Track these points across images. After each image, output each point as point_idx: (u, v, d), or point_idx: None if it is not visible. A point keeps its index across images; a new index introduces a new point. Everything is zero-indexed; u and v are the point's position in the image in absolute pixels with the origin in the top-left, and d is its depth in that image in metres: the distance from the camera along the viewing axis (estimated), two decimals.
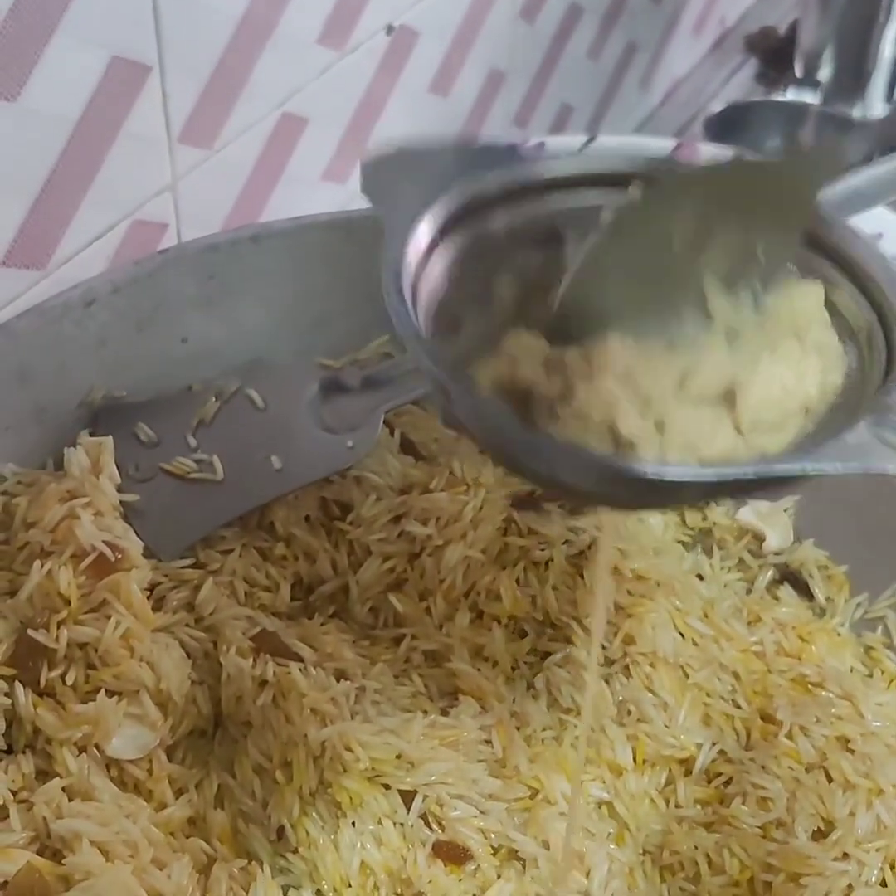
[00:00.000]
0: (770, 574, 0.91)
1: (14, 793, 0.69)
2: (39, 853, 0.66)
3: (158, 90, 0.93)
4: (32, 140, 0.83)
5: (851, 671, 0.86)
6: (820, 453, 0.55)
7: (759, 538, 0.93)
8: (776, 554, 0.92)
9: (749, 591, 0.90)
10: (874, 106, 1.73)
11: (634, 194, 0.60)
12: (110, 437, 0.84)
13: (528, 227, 0.66)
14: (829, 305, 0.63)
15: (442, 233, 0.64)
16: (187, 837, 0.73)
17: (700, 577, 0.90)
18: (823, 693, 0.82)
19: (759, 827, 0.76)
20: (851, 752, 0.78)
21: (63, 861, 0.65)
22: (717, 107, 1.64)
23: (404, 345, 0.59)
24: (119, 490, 0.82)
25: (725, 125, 1.59)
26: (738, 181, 0.60)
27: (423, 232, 0.63)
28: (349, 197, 1.24)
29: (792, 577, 0.91)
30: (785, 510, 0.93)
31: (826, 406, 0.61)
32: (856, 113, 1.72)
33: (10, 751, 0.72)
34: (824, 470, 0.54)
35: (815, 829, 0.75)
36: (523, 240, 0.66)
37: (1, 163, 0.81)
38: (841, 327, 0.63)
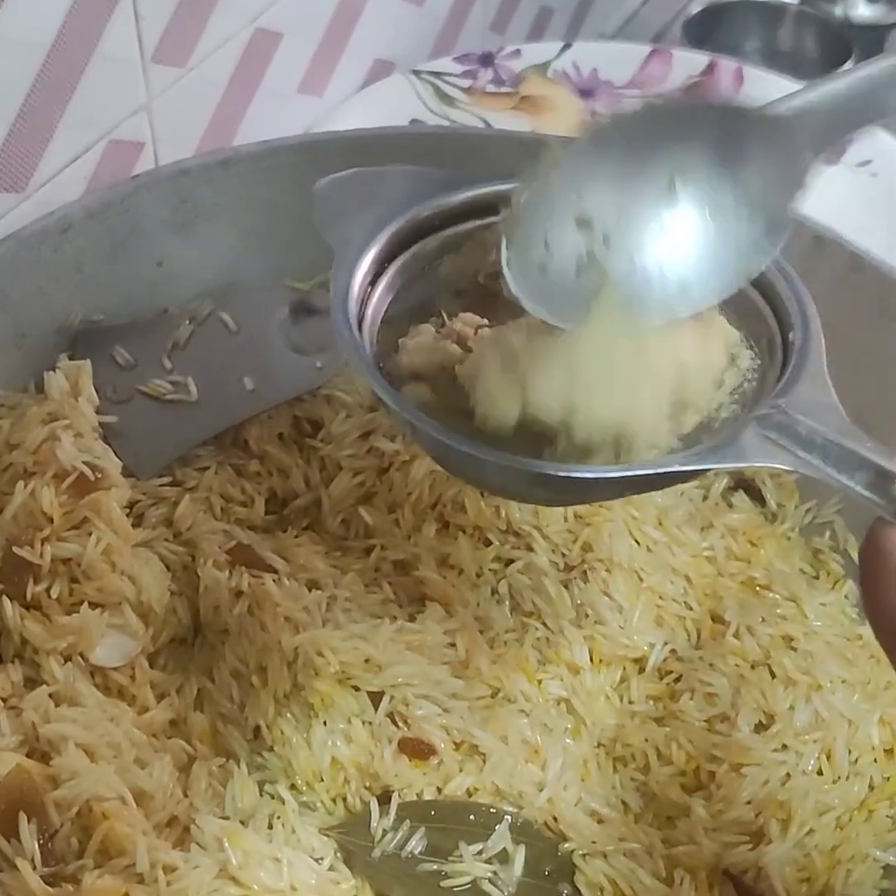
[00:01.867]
0: (725, 482, 0.94)
1: (4, 700, 0.73)
2: (28, 755, 0.70)
3: (131, 10, 0.95)
4: (7, 65, 0.85)
5: (799, 573, 0.90)
6: (716, 453, 0.60)
7: None
8: None
9: (704, 499, 0.94)
10: (856, 5, 1.73)
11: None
12: (88, 361, 0.87)
13: (461, 242, 0.71)
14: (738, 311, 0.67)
15: (386, 261, 0.70)
16: (168, 738, 0.77)
17: None
18: (770, 594, 0.87)
19: (704, 721, 0.80)
20: (794, 649, 0.83)
21: (51, 762, 0.70)
22: (696, 7, 1.64)
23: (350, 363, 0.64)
24: (98, 412, 0.85)
25: (704, 26, 1.59)
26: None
27: (369, 262, 0.69)
28: (326, 110, 1.25)
29: (745, 485, 0.94)
30: None
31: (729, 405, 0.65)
32: (838, 11, 1.72)
33: None
34: (721, 467, 0.58)
35: (757, 722, 0.80)
36: (456, 254, 0.71)
37: None
38: (748, 332, 0.67)
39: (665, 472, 0.61)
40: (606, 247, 0.64)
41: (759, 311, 0.68)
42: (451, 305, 0.71)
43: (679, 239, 0.64)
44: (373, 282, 0.69)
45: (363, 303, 0.68)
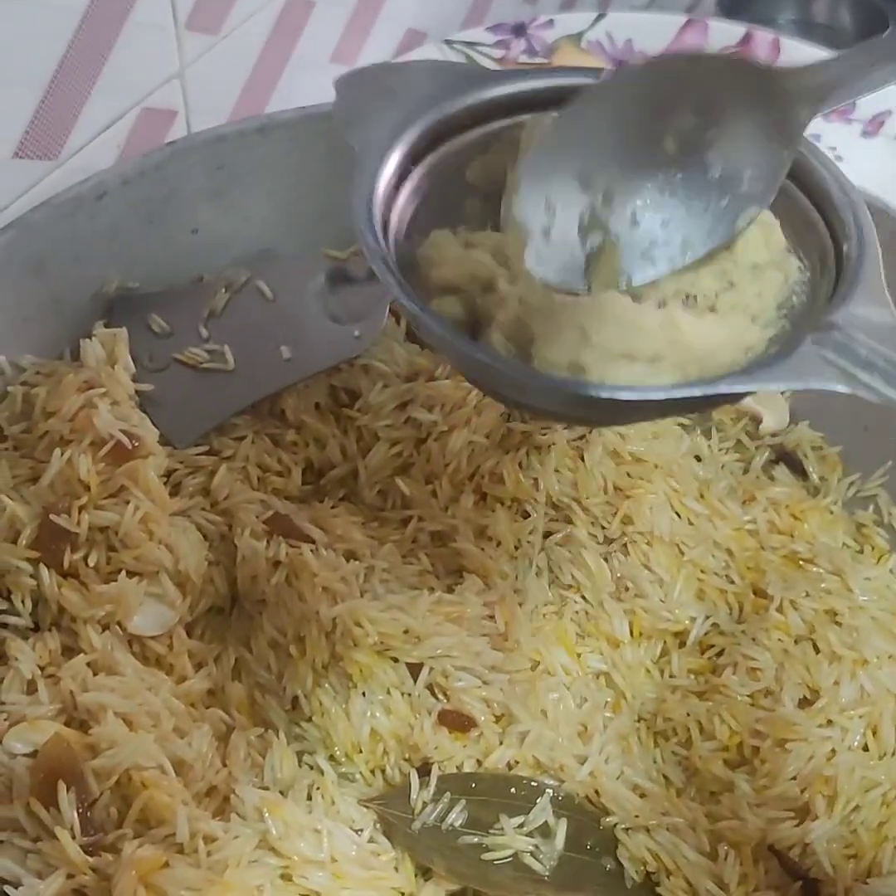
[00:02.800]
0: (766, 455, 0.93)
1: (42, 668, 0.73)
2: (67, 724, 0.70)
3: None
4: (41, 31, 0.84)
5: (842, 547, 0.89)
6: (766, 372, 0.57)
7: (757, 420, 0.95)
8: (772, 435, 0.95)
9: (745, 472, 0.93)
10: None
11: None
12: (124, 329, 0.86)
13: (489, 142, 0.68)
14: (788, 223, 0.65)
15: (412, 161, 0.66)
16: (207, 708, 0.77)
17: (698, 458, 0.93)
18: (814, 568, 0.85)
19: (748, 695, 0.79)
20: (839, 624, 0.81)
21: (89, 731, 0.69)
22: None
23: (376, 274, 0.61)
24: (134, 380, 0.84)
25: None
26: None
27: (393, 163, 0.65)
28: None
29: (787, 458, 0.93)
30: (782, 393, 0.95)
31: (777, 320, 0.63)
32: None
33: (36, 629, 0.76)
34: (769, 388, 0.55)
35: (802, 697, 0.79)
36: (484, 155, 0.68)
37: (10, 54, 0.82)
38: (796, 244, 0.65)
39: (712, 394, 0.58)
40: (608, 207, 0.63)
41: (809, 219, 0.64)
42: (480, 210, 0.68)
43: (679, 194, 0.64)
44: (398, 185, 0.65)
45: (387, 208, 0.64)
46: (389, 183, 0.64)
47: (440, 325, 0.60)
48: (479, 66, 0.69)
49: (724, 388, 0.58)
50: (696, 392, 0.58)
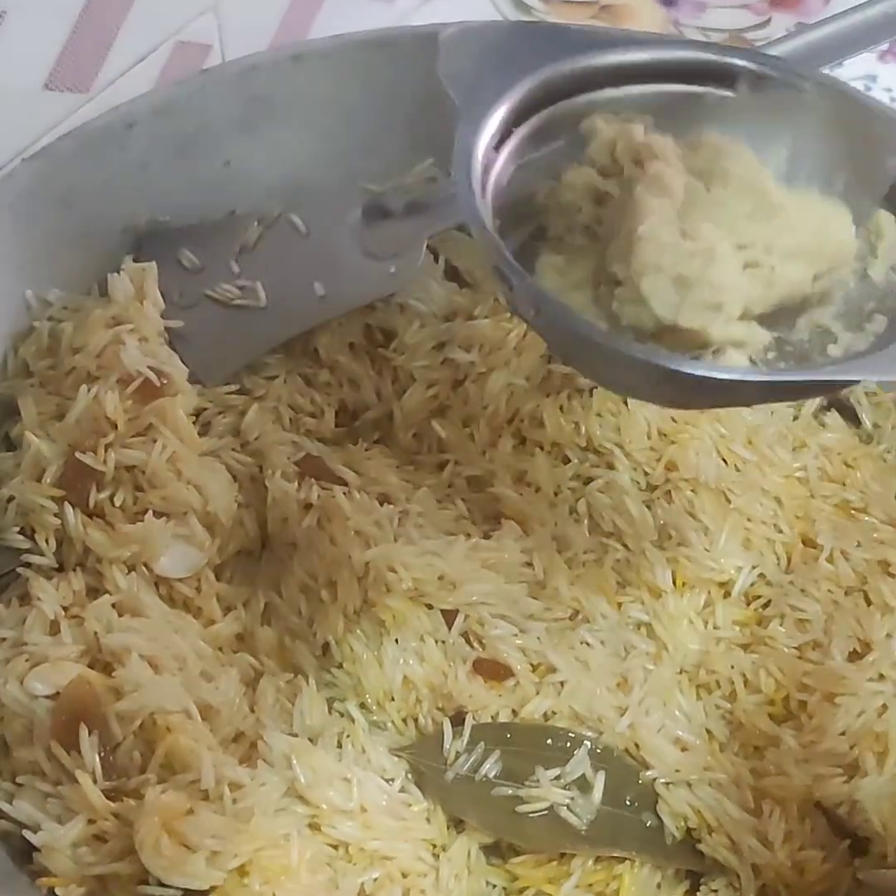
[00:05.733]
0: (817, 401, 0.90)
1: (65, 609, 0.71)
2: (90, 666, 0.69)
3: None
4: None
5: None
6: (867, 362, 0.58)
7: None
8: None
9: (796, 418, 0.89)
10: None
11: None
12: (154, 263, 0.84)
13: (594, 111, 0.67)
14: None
15: (515, 123, 0.65)
16: (235, 652, 0.75)
17: None
18: (866, 518, 0.83)
19: (795, 648, 0.77)
20: (892, 575, 0.79)
21: (113, 673, 0.68)
22: None
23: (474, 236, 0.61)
24: (163, 316, 0.82)
25: None
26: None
27: (495, 124, 0.64)
28: (396, 17, 1.21)
29: (839, 404, 0.90)
30: None
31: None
32: None
33: (60, 569, 0.75)
34: (871, 379, 0.56)
35: (852, 650, 0.76)
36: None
37: None
38: None
39: (808, 381, 0.58)
40: None
41: None
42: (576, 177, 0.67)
43: None
44: (498, 146, 0.65)
45: (486, 169, 0.64)
46: (490, 143, 0.64)
47: (533, 291, 0.60)
48: (585, 32, 0.69)
49: (823, 376, 0.59)
50: (793, 377, 0.59)
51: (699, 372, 0.58)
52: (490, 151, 0.64)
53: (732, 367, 0.59)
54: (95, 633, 0.69)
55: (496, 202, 0.64)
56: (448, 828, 0.71)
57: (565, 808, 0.71)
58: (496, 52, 0.66)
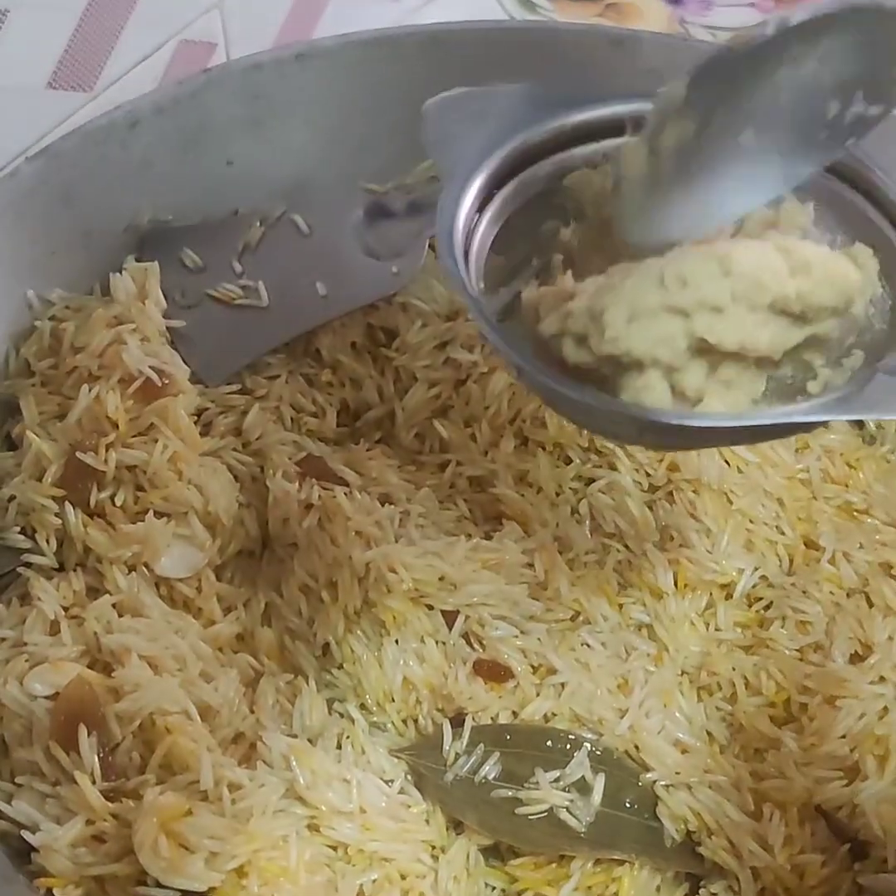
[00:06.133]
0: None
1: (65, 609, 0.71)
2: (90, 666, 0.69)
3: None
4: None
5: None
6: (840, 404, 0.58)
7: None
8: None
9: None
10: None
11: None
12: (156, 263, 0.84)
13: (573, 169, 0.69)
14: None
15: (496, 185, 0.67)
16: (235, 653, 0.75)
17: None
18: (869, 520, 0.82)
19: (796, 650, 0.77)
20: (894, 577, 0.78)
21: (113, 674, 0.68)
22: None
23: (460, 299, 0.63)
24: (165, 316, 0.82)
25: None
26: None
27: (476, 187, 0.66)
28: (401, 15, 1.20)
29: None
30: None
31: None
32: None
33: (60, 569, 0.75)
34: (844, 419, 0.57)
35: (853, 652, 0.76)
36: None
37: None
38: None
39: (784, 424, 0.58)
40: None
41: (892, 243, 0.64)
42: (563, 235, 0.69)
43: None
44: (480, 209, 0.66)
45: (470, 233, 0.65)
46: (472, 207, 0.66)
47: (514, 351, 0.61)
48: (568, 92, 0.69)
49: (796, 419, 0.59)
50: (768, 421, 0.59)
51: (673, 421, 0.59)
52: (472, 214, 0.66)
53: (705, 414, 0.59)
54: (95, 633, 0.70)
55: (481, 264, 0.65)
56: (447, 829, 0.71)
57: (565, 810, 0.71)
58: (478, 117, 0.68)
